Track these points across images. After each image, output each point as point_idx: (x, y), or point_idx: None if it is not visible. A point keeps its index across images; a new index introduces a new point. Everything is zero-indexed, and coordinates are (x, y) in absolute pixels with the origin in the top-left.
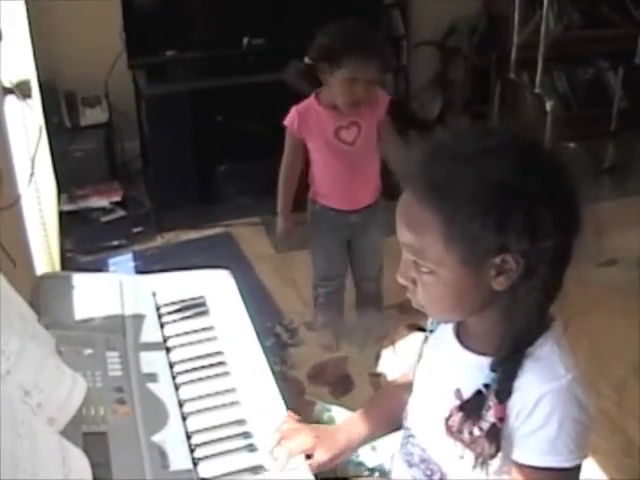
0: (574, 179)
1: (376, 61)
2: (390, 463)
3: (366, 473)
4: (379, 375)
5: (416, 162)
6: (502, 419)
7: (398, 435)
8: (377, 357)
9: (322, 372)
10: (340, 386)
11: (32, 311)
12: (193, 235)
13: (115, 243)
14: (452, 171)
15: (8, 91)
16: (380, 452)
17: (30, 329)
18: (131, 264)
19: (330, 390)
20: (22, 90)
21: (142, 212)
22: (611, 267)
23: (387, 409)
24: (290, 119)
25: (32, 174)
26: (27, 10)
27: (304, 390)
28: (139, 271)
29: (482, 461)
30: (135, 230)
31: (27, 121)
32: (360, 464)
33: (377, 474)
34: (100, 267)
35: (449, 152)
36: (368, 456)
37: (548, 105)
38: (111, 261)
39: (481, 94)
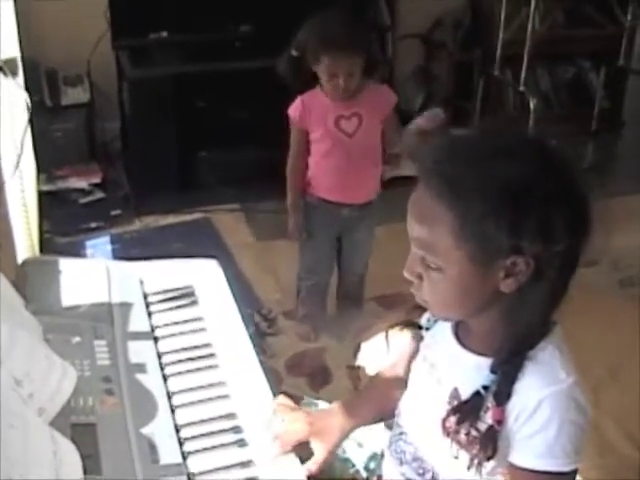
0: (585, 183)
1: (354, 55)
2: (378, 460)
3: (352, 470)
4: (358, 368)
5: (432, 157)
6: (500, 422)
7: (386, 432)
8: (356, 350)
9: (300, 363)
10: (318, 378)
11: (19, 297)
12: (172, 220)
13: (93, 225)
14: (468, 169)
15: None
16: (367, 448)
17: (18, 316)
18: (109, 247)
19: (308, 381)
20: (10, 68)
21: (121, 195)
22: (591, 268)
23: (376, 401)
24: (293, 109)
25: (19, 159)
26: None
27: (282, 380)
28: (117, 254)
29: (478, 462)
30: (114, 213)
31: (13, 100)
32: (346, 460)
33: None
34: (78, 249)
35: (466, 149)
36: (354, 452)
37: (532, 103)
38: (89, 243)
39: (464, 89)
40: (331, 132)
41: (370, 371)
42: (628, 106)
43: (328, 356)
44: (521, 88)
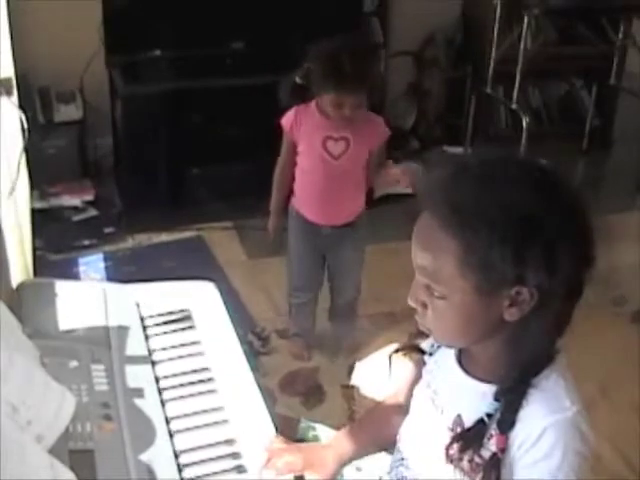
0: (590, 214)
1: (362, 90)
2: None
3: None
4: (352, 387)
5: (438, 185)
6: (503, 450)
7: (384, 456)
8: (350, 369)
9: (293, 382)
10: (312, 397)
11: (16, 320)
12: (164, 238)
13: (86, 243)
14: (475, 197)
15: None
16: (365, 473)
17: (14, 339)
18: (102, 265)
19: (302, 401)
20: (5, 87)
21: (114, 212)
22: None
23: (375, 429)
24: (286, 118)
25: (15, 182)
26: (8, 3)
27: (276, 399)
28: (110, 272)
29: None
30: (106, 230)
31: (8, 119)
32: None
33: None
34: (70, 267)
35: (473, 177)
36: (353, 477)
37: (524, 121)
38: (82, 261)
39: (456, 106)
40: (316, 151)
41: (365, 391)
42: (619, 124)
43: (322, 375)
44: (513, 105)
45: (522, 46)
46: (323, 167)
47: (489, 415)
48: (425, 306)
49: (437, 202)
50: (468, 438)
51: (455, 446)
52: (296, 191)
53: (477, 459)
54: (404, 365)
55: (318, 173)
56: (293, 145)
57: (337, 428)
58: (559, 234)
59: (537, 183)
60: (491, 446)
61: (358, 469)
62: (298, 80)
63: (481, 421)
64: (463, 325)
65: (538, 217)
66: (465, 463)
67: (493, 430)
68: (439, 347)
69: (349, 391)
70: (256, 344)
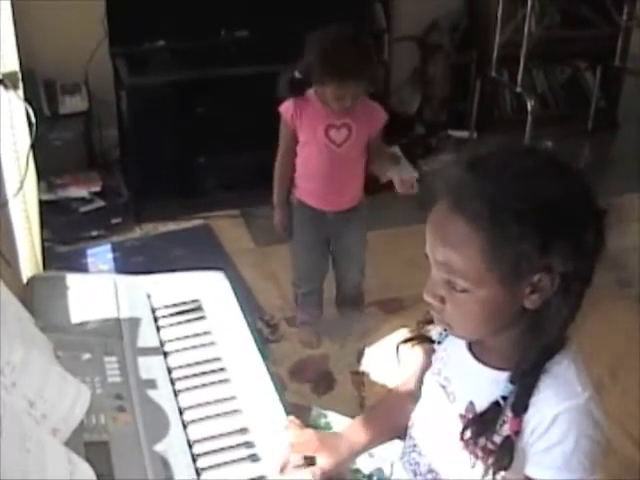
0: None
1: (361, 80)
2: (389, 470)
3: None
4: (361, 373)
5: (456, 179)
6: (517, 432)
7: (396, 442)
8: (359, 355)
9: (303, 369)
10: (322, 383)
11: (28, 314)
12: (172, 227)
13: (94, 234)
14: (502, 190)
15: None
16: (377, 458)
17: (29, 334)
18: (110, 255)
19: (312, 387)
20: (11, 81)
21: (121, 202)
22: None
23: (389, 418)
24: (285, 108)
25: (24, 178)
26: None
27: (286, 387)
28: (118, 262)
29: (493, 472)
30: (114, 221)
31: (14, 113)
32: (357, 471)
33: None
34: (79, 258)
35: (491, 170)
36: (365, 462)
37: (529, 104)
38: (89, 252)
39: (460, 91)
40: (319, 139)
41: (374, 377)
42: (624, 106)
43: (331, 362)
44: (518, 89)
45: (526, 30)
46: (327, 155)
47: (504, 398)
48: (443, 301)
49: (460, 196)
50: (483, 421)
51: (469, 431)
52: (298, 181)
53: (490, 445)
54: (414, 352)
55: (322, 161)
56: (294, 135)
57: (348, 414)
58: (581, 219)
59: (554, 169)
60: (504, 431)
61: (370, 455)
62: (297, 74)
63: (496, 404)
64: (485, 317)
65: (562, 204)
66: (479, 448)
67: (507, 415)
68: (447, 335)
69: (359, 377)
70: (265, 332)
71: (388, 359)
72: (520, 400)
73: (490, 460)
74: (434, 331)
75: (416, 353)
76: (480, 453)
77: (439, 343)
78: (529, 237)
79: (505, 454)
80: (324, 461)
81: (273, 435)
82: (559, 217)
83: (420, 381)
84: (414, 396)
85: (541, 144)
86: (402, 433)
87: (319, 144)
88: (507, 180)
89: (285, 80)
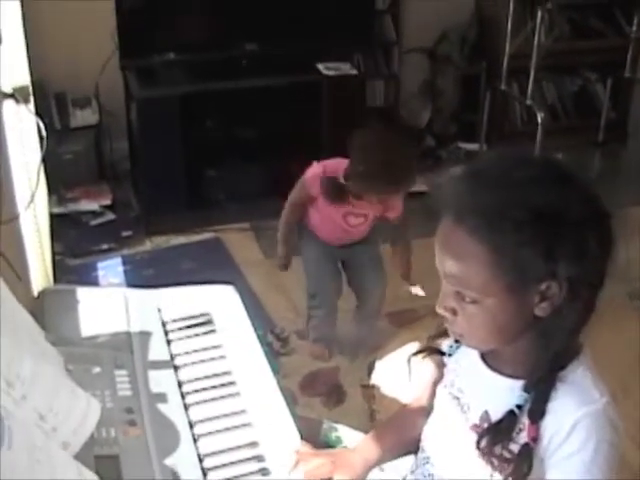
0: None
1: (404, 187)
2: None
3: None
4: (372, 387)
5: (457, 192)
6: (535, 439)
7: (408, 456)
8: (370, 368)
9: (314, 382)
10: (332, 397)
11: (39, 327)
12: (182, 240)
13: (104, 247)
14: (497, 200)
15: (7, 96)
16: (387, 472)
17: (39, 347)
18: (120, 268)
19: (322, 401)
20: (22, 95)
21: (131, 216)
22: None
23: (402, 433)
24: (312, 178)
25: (35, 192)
26: (22, 11)
27: (296, 400)
28: (129, 275)
29: None
30: (124, 234)
31: (25, 127)
32: None
33: None
34: (89, 271)
35: (490, 181)
36: (376, 476)
37: (539, 116)
38: (100, 265)
39: (470, 103)
40: (336, 219)
41: (385, 390)
42: (634, 117)
43: (342, 375)
44: (528, 101)
45: (536, 41)
46: (340, 228)
47: (519, 407)
48: (455, 313)
49: (460, 209)
50: (499, 430)
51: (485, 440)
52: (310, 219)
53: (506, 454)
54: (424, 366)
55: (335, 230)
56: (310, 199)
57: (358, 428)
58: (582, 224)
59: (553, 177)
60: (521, 439)
61: (381, 469)
62: (342, 180)
63: (512, 412)
64: (497, 327)
65: (564, 211)
66: (495, 457)
67: (522, 423)
68: (458, 347)
69: (369, 391)
70: (275, 345)
71: (399, 372)
72: (537, 407)
73: (508, 469)
74: (445, 344)
75: (427, 366)
76: (496, 462)
77: (450, 355)
78: (530, 244)
79: (524, 461)
80: (340, 477)
81: (283, 449)
82: (559, 223)
83: (433, 394)
84: (426, 410)
85: (543, 154)
86: (414, 448)
87: (335, 221)
88: (505, 189)
89: (325, 181)
